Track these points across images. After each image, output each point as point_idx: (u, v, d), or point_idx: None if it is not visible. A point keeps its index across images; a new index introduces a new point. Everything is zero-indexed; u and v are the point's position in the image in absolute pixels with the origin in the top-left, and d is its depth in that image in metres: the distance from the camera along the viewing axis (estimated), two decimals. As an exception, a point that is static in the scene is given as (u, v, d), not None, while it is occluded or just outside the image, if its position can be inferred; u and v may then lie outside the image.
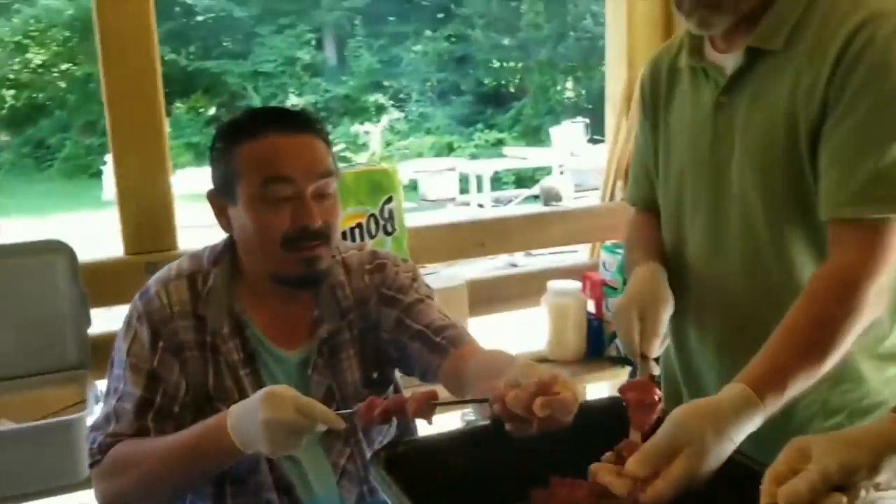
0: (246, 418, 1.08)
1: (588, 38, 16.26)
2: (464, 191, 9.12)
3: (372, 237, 2.19)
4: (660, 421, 0.94)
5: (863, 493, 0.76)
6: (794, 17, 1.14)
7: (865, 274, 1.04)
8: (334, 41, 19.27)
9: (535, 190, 8.96)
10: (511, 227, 2.78)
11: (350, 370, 1.34)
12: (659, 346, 1.22)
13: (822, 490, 0.74)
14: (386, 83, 18.34)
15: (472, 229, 2.70)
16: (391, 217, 2.23)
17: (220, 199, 1.31)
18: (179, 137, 15.28)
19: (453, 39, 18.56)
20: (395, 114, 17.82)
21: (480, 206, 8.37)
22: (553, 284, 2.53)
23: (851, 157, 1.06)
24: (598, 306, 2.65)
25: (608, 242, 2.72)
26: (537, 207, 7.52)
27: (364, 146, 16.73)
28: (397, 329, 1.34)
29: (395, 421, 1.37)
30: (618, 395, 1.06)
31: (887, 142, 1.04)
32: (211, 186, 1.32)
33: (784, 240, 1.18)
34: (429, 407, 1.05)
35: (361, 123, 17.26)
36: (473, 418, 1.58)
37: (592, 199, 8.60)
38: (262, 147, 1.24)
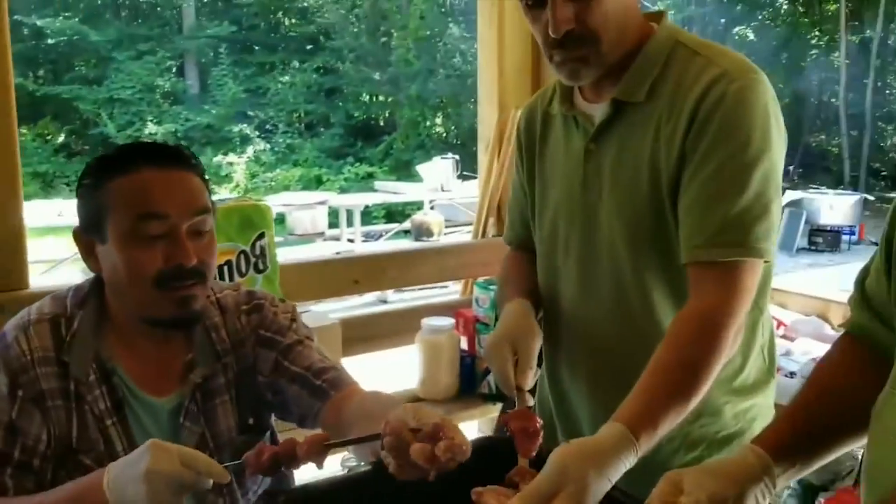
0: (125, 473, 1.01)
1: (458, 75, 16.67)
2: (333, 225, 9.06)
3: (242, 275, 2.12)
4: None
5: None
6: (653, 72, 1.21)
7: (724, 315, 1.11)
8: (196, 69, 18.81)
9: (406, 225, 9.02)
10: (385, 263, 2.78)
11: (224, 416, 1.28)
12: (532, 377, 1.26)
13: None
14: (251, 113, 18.05)
15: (346, 266, 2.67)
16: (263, 254, 2.17)
17: (88, 236, 1.23)
18: (26, 166, 14.37)
19: (322, 71, 18.53)
20: (261, 145, 17.53)
21: (350, 240, 8.33)
22: (427, 322, 2.54)
23: (706, 206, 1.14)
24: (471, 343, 2.68)
25: (481, 279, 2.77)
26: (411, 244, 7.56)
27: (227, 178, 16.33)
28: (275, 372, 1.30)
29: None
30: (495, 435, 1.08)
31: (737, 192, 1.13)
32: (77, 223, 1.24)
33: (648, 283, 1.25)
34: (321, 449, 1.02)
35: (225, 154, 16.86)
36: (354, 463, 1.55)
37: (463, 235, 8.78)
38: (135, 182, 1.18)
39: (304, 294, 2.45)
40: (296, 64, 18.63)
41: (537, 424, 1.04)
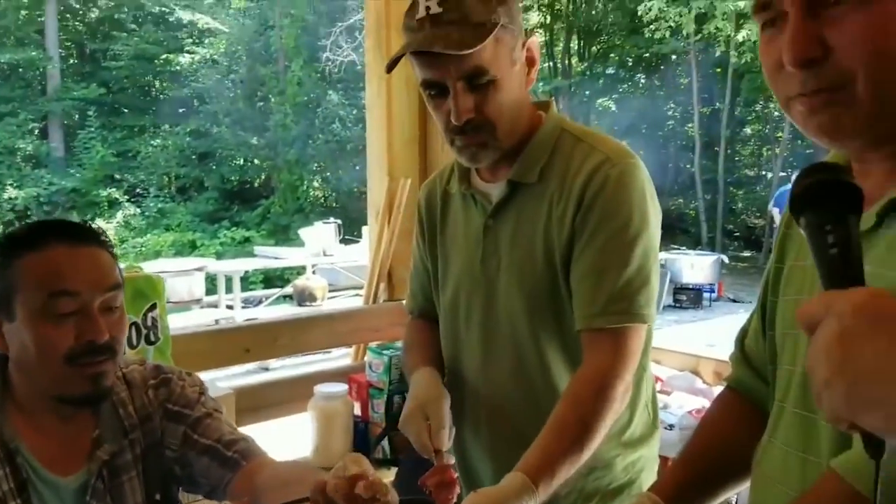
0: None
1: (336, 140, 16.78)
2: (211, 291, 8.83)
3: (134, 347, 2.08)
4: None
5: None
6: (544, 156, 1.34)
7: (614, 376, 1.24)
8: (62, 131, 18.09)
9: (288, 290, 8.91)
10: (276, 331, 2.77)
11: (132, 493, 1.26)
12: (448, 438, 1.34)
13: None
14: (120, 177, 17.47)
15: (237, 335, 2.65)
16: (154, 325, 2.15)
17: None
18: None
19: (196, 135, 18.22)
20: (131, 209, 16.94)
21: (230, 307, 8.14)
22: (320, 388, 2.54)
23: (595, 278, 1.27)
24: (365, 408, 2.70)
25: (373, 344, 2.81)
26: (301, 310, 7.49)
27: (95, 243, 15.63)
28: (184, 445, 1.30)
29: None
30: (414, 497, 1.13)
31: (621, 265, 1.26)
32: None
33: (544, 349, 1.35)
34: None
35: (92, 220, 16.14)
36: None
37: (347, 299, 8.76)
38: (46, 260, 1.17)
39: (195, 364, 2.40)
40: (167, 127, 18.26)
41: (453, 475, 1.12)
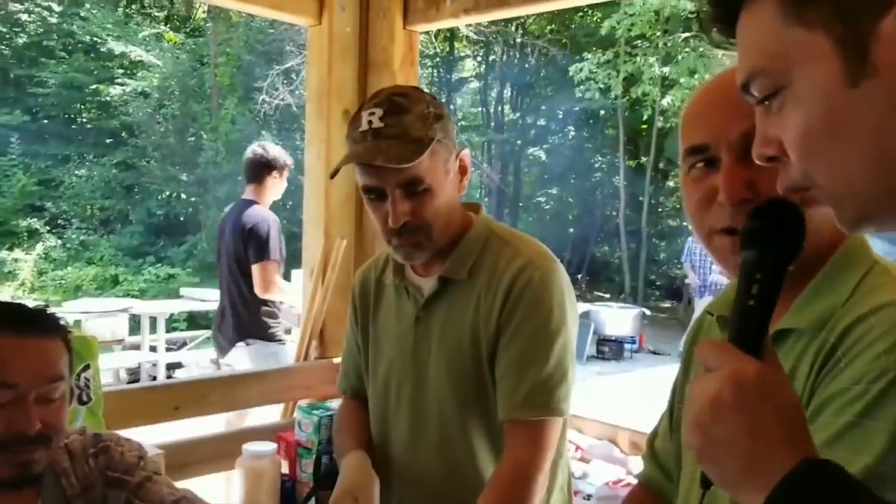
0: None
1: (268, 181, 16.60)
2: (133, 330, 8.63)
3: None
4: None
5: None
6: (473, 256, 1.46)
7: (534, 467, 1.34)
8: (-20, 158, 17.48)
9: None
10: (206, 389, 2.79)
11: None
12: None
13: None
14: (42, 206, 16.92)
15: (167, 393, 2.67)
16: (87, 386, 2.15)
17: None
18: None
19: (123, 167, 17.83)
20: (52, 241, 16.40)
21: (153, 348, 7.96)
22: (248, 447, 2.56)
23: (517, 373, 1.38)
24: (293, 467, 2.73)
25: (303, 403, 2.85)
26: (231, 371, 7.38)
27: (12, 275, 15.06)
28: None
29: None
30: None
31: (542, 362, 1.37)
32: None
33: (469, 430, 1.45)
34: None
35: (10, 250, 15.59)
36: None
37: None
38: None
39: (125, 422, 2.42)
40: (93, 157, 17.82)
41: None
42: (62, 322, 1.32)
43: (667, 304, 17.16)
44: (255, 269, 4.39)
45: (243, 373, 3.40)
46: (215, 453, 2.66)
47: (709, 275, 9.63)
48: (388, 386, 1.55)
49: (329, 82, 3.00)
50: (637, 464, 2.38)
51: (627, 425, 2.50)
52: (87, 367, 2.14)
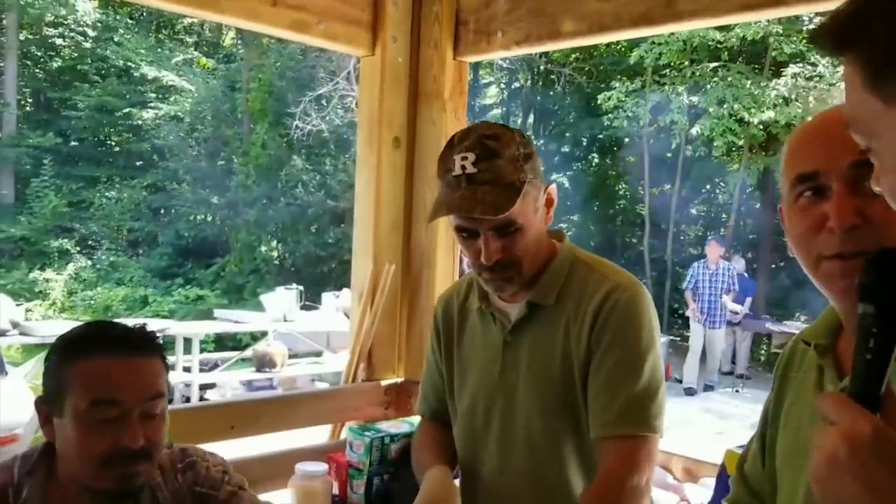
0: None
1: (297, 204, 16.80)
2: (168, 350, 8.73)
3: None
4: None
5: None
6: (560, 282, 1.51)
7: (627, 481, 1.38)
8: (13, 178, 17.82)
9: (247, 353, 8.85)
10: (260, 409, 2.86)
11: None
12: None
13: None
14: (73, 227, 17.20)
15: (222, 412, 2.73)
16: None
17: (47, 407, 1.31)
18: None
19: (152, 189, 18.11)
20: (82, 261, 16.64)
21: (187, 369, 8.05)
22: (301, 467, 2.61)
23: (610, 392, 1.42)
24: (343, 488, 2.77)
25: (353, 424, 2.90)
26: (284, 392, 7.43)
27: (43, 294, 15.29)
28: None
29: None
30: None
31: (633, 380, 1.42)
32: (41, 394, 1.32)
33: (560, 451, 1.49)
34: None
35: (42, 269, 15.84)
36: None
37: (306, 365, 8.71)
38: (95, 369, 1.28)
39: (184, 440, 2.48)
40: (124, 180, 18.11)
41: None
42: (159, 341, 1.39)
43: (689, 334, 17.05)
44: None
45: (295, 394, 3.46)
46: (267, 472, 2.71)
47: (714, 302, 9.53)
48: (476, 411, 1.59)
49: (380, 111, 3.08)
50: (691, 491, 2.41)
51: (682, 452, 2.52)
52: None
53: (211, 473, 1.44)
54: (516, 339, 1.53)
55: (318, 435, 3.55)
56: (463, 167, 1.39)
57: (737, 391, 10.06)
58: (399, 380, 3.21)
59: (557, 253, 1.54)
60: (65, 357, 1.30)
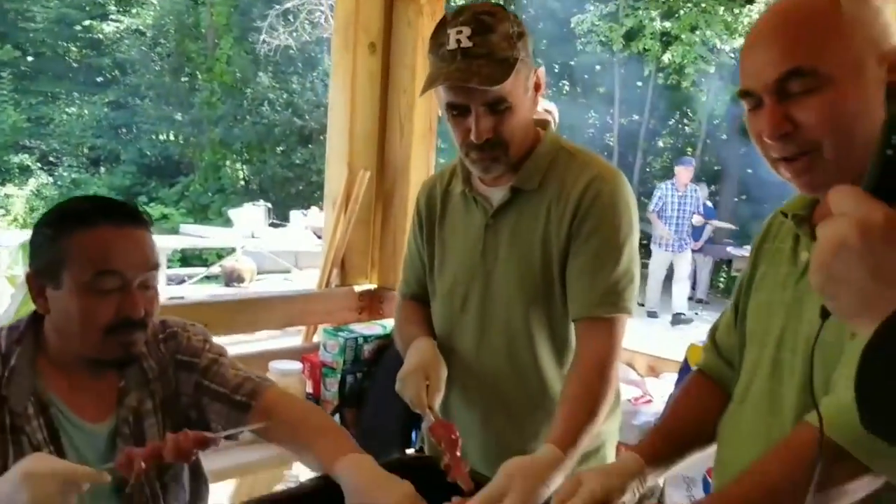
0: (8, 497, 1.10)
1: (264, 123, 16.52)
2: (133, 266, 8.67)
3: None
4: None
5: None
6: (543, 168, 1.54)
7: (611, 359, 1.45)
8: (-30, 93, 17.23)
9: (214, 269, 8.83)
10: (234, 309, 2.90)
11: (154, 439, 1.38)
12: (439, 399, 1.51)
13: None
14: (33, 144, 16.77)
15: (197, 311, 2.77)
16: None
17: (40, 280, 1.32)
18: None
19: (114, 106, 17.65)
20: (44, 178, 16.31)
21: (154, 283, 8.03)
22: (275, 366, 2.68)
23: (590, 276, 1.47)
24: (316, 386, 2.86)
25: (328, 326, 2.96)
26: (261, 291, 7.46)
27: (4, 209, 15.02)
28: (197, 392, 1.44)
29: (186, 483, 1.46)
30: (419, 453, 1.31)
31: (613, 265, 1.47)
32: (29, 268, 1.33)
33: (534, 334, 1.55)
34: (188, 447, 1.17)
35: (3, 185, 15.52)
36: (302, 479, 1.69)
37: (275, 283, 8.74)
38: (95, 239, 1.29)
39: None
40: (85, 96, 17.61)
41: (457, 433, 1.31)
42: (149, 219, 1.41)
43: (646, 261, 17.33)
44: None
45: (268, 296, 3.50)
46: (242, 371, 2.77)
47: (682, 225, 9.41)
48: (455, 292, 1.63)
49: (356, 14, 3.05)
50: (653, 385, 2.52)
51: (644, 350, 2.63)
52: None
53: (192, 342, 1.47)
54: (498, 224, 1.57)
55: (291, 340, 3.62)
56: (458, 41, 1.39)
57: (696, 314, 10.30)
58: (372, 286, 3.27)
59: (542, 140, 1.57)
60: (61, 228, 1.30)
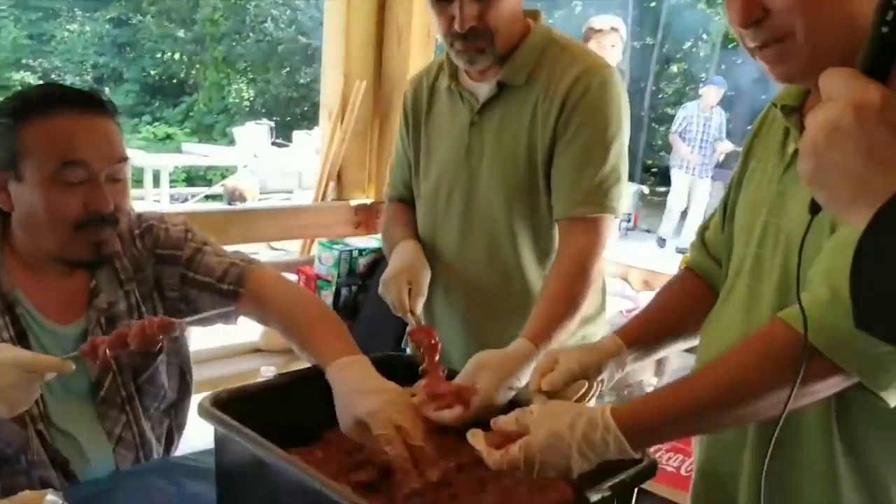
0: None
1: (267, 41, 16.20)
2: (136, 184, 8.66)
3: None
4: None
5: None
6: (531, 62, 1.47)
7: (591, 256, 1.42)
8: (-31, 9, 16.90)
9: (217, 188, 8.78)
10: (230, 219, 2.87)
11: None
12: (421, 303, 1.50)
13: (569, 380, 1.11)
14: (33, 62, 16.52)
15: (195, 219, 2.73)
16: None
17: (2, 174, 1.27)
18: None
19: (116, 22, 17.30)
20: (46, 96, 16.11)
21: (157, 202, 8.01)
22: (270, 277, 2.67)
23: (575, 174, 1.43)
24: (312, 298, 2.85)
25: (323, 239, 2.94)
26: (255, 204, 7.39)
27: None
28: (183, 284, 1.39)
29: (166, 384, 1.44)
30: (392, 352, 1.29)
31: (599, 164, 1.43)
32: None
33: (517, 233, 1.52)
34: (152, 334, 1.14)
35: (3, 103, 15.36)
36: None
37: (277, 202, 8.70)
38: (56, 128, 1.23)
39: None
40: (87, 13, 17.24)
41: (436, 338, 1.28)
42: (114, 105, 1.34)
43: (661, 189, 17.17)
44: None
45: (263, 208, 3.47)
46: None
47: (706, 149, 8.81)
48: (439, 190, 1.60)
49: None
50: (646, 299, 2.50)
51: (640, 265, 2.60)
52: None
53: (171, 234, 1.41)
54: (484, 120, 1.52)
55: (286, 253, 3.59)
56: None
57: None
58: (369, 201, 3.23)
59: (531, 31, 1.50)
60: (19, 117, 1.24)
